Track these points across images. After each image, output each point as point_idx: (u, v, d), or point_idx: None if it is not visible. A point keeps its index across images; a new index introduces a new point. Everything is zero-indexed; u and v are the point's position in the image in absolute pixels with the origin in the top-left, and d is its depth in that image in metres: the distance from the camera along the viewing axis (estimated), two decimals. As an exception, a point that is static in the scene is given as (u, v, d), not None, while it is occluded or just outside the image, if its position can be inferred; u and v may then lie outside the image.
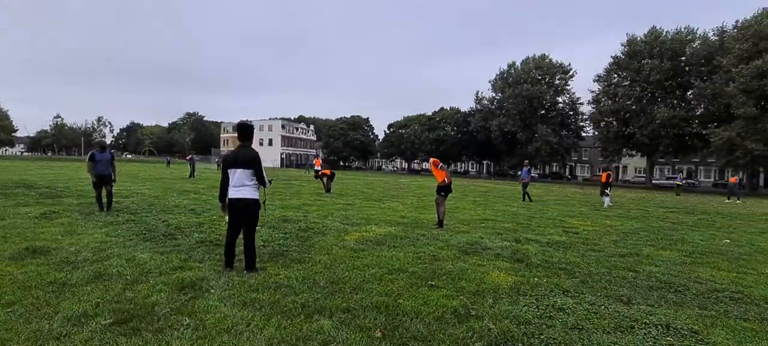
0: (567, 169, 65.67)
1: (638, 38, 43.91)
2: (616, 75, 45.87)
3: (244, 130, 4.45)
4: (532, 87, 50.75)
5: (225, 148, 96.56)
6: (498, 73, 58.19)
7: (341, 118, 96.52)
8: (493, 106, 56.77)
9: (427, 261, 5.12)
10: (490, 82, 59.78)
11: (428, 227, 8.05)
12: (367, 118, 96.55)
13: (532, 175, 59.70)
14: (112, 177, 8.36)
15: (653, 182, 47.37)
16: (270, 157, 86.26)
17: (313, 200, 12.59)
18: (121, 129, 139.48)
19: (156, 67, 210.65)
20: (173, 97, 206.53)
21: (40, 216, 7.42)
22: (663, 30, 42.74)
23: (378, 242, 6.29)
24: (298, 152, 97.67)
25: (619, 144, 44.05)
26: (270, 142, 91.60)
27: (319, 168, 27.15)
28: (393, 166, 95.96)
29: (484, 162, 73.61)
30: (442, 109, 71.36)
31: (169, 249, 5.25)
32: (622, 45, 45.02)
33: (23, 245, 5.07)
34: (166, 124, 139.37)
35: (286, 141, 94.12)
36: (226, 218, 4.40)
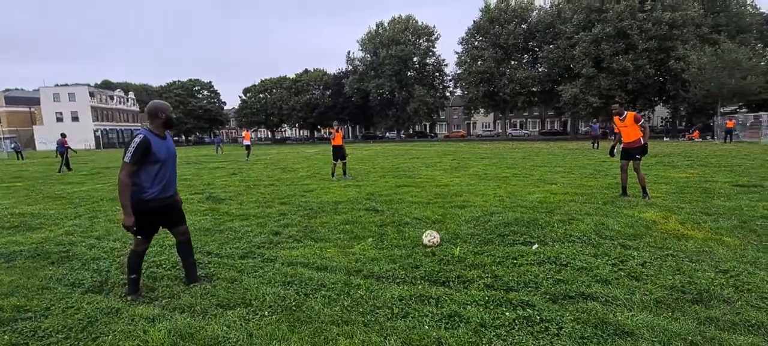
0: (427, 128, 71.01)
1: (492, 5, 49.06)
2: (475, 40, 50.52)
3: None
4: (405, 48, 51.59)
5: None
6: (367, 33, 57.05)
7: (174, 82, 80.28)
8: (365, 67, 55.71)
9: None
10: (358, 41, 58.26)
11: (617, 203, 6.31)
12: (210, 82, 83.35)
13: (401, 136, 62.40)
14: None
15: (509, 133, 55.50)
16: (80, 136, 65.43)
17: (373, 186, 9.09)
18: None
19: None
20: None
21: None
22: (510, -1, 48.80)
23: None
24: (119, 127, 77.38)
25: (485, 103, 49.35)
26: (75, 117, 69.51)
27: (250, 142, 21.46)
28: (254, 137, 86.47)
29: (351, 126, 72.99)
30: (306, 71, 66.65)
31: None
32: (480, 10, 49.65)
33: None
34: None
35: (100, 114, 72.87)
36: None
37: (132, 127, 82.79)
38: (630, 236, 4.54)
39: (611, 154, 7.74)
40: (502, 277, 3.44)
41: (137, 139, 3.10)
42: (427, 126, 70.59)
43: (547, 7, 46.14)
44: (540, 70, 47.77)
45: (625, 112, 6.90)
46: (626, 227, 4.88)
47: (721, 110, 32.91)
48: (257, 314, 2.92)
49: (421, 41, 56.02)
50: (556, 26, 42.21)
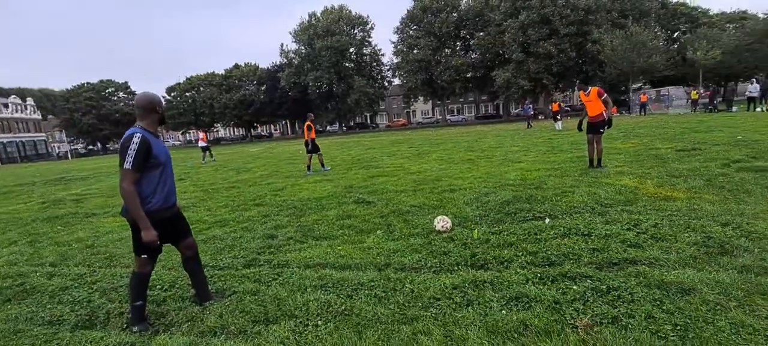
0: (368, 119, 70.98)
1: (424, -6, 49.86)
2: (409, 29, 51.08)
3: None
4: (341, 38, 50.79)
5: None
6: (299, 24, 55.24)
7: (83, 84, 71.69)
8: (301, 59, 53.96)
9: None
10: (291, 33, 56.28)
11: (591, 174, 6.75)
12: (125, 82, 75.72)
13: (343, 128, 61.85)
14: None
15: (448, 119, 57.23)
16: (-34, 151, 55.87)
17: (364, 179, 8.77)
18: None
19: None
20: None
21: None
22: (441, -13, 49.96)
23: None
24: (19, 139, 67.38)
25: (424, 91, 50.36)
26: (-42, 130, 59.27)
27: (206, 143, 19.65)
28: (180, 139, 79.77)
29: (290, 122, 70.60)
30: (236, 66, 62.99)
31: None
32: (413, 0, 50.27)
33: None
34: None
35: (-8, 125, 62.79)
36: None
37: (36, 138, 72.76)
38: (625, 202, 4.82)
39: (579, 128, 8.12)
40: (538, 253, 3.45)
41: (136, 140, 2.59)
42: (368, 117, 70.60)
43: (475, -6, 47.94)
44: (473, 57, 49.70)
45: (589, 88, 7.30)
46: (616, 195, 5.17)
47: (632, 87, 36.88)
48: (308, 325, 2.61)
49: (356, 31, 55.46)
50: (485, 14, 44.06)
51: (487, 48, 43.73)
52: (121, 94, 74.28)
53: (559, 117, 19.70)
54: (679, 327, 2.19)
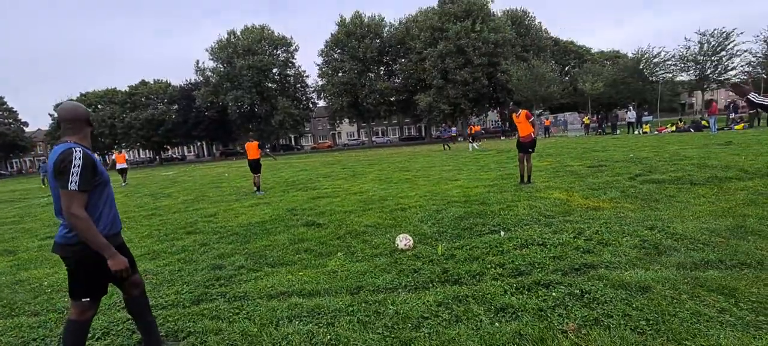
0: (293, 140, 69.29)
1: (347, 20, 51.01)
2: (334, 52, 51.64)
3: None
4: (263, 58, 49.38)
5: None
6: (217, 41, 52.63)
7: (-61, 99, 59.70)
8: (220, 78, 51.19)
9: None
10: (208, 50, 53.34)
11: (524, 189, 7.38)
12: (1, 97, 64.63)
13: (267, 149, 59.54)
14: None
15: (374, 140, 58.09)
16: None
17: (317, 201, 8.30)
18: None
19: None
20: None
21: None
22: (364, 14, 51.59)
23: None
24: None
25: (349, 113, 50.77)
26: None
27: (125, 165, 17.10)
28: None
29: (207, 143, 65.99)
30: (143, 82, 57.56)
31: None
32: (337, 24, 51.07)
33: None
34: None
35: None
36: None
37: None
38: (563, 213, 5.27)
39: (517, 147, 8.69)
40: (505, 264, 3.58)
41: (79, 156, 2.16)
42: (293, 139, 68.98)
43: (397, 24, 50.36)
44: (397, 81, 51.70)
45: (520, 110, 7.99)
46: (553, 207, 5.64)
47: (535, 113, 41.32)
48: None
49: (279, 52, 54.45)
50: (406, 42, 46.40)
51: (410, 73, 45.88)
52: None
53: (470, 140, 21.50)
54: (651, 322, 2.41)
